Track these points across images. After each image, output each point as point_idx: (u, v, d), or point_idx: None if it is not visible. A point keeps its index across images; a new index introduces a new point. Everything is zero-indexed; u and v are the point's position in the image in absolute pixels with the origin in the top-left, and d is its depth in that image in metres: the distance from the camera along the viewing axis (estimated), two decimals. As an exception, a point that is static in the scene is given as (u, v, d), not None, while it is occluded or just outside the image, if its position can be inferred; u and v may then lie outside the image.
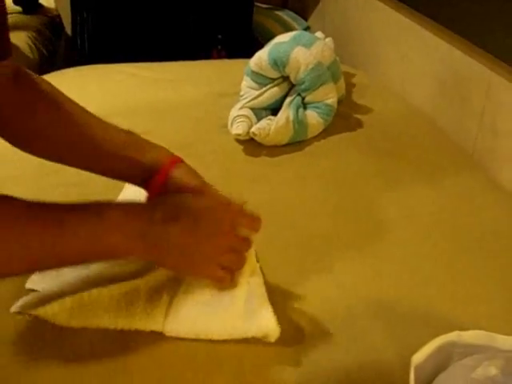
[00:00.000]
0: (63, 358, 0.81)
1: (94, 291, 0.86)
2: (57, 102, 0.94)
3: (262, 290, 0.89)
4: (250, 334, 0.83)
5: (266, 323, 0.83)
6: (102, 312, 0.85)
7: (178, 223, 0.79)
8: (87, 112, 0.96)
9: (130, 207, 0.80)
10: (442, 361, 0.75)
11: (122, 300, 0.87)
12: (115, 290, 0.87)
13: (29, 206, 0.72)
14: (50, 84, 0.95)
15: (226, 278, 0.85)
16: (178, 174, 0.91)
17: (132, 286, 0.88)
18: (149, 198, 0.92)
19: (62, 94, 0.96)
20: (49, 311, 0.84)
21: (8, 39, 0.87)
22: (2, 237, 0.68)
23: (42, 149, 0.96)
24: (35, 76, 0.96)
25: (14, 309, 0.85)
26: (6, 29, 0.86)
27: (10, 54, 0.88)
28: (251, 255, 0.90)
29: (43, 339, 0.83)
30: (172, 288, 0.89)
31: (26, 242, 0.70)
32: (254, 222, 0.87)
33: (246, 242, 0.87)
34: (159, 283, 0.90)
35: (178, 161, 0.93)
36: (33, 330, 0.84)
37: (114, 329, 0.84)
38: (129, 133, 0.96)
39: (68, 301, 0.85)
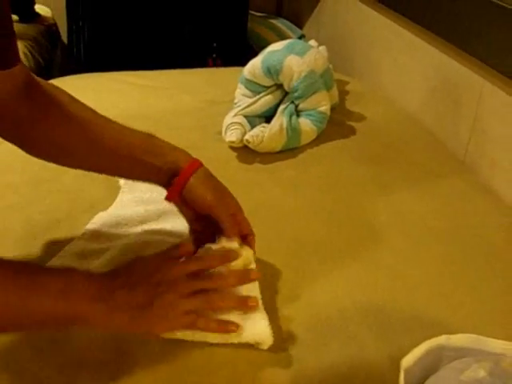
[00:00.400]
0: (57, 363, 0.81)
1: None
2: (69, 109, 0.94)
3: (259, 297, 0.89)
4: (244, 340, 0.84)
5: (260, 331, 0.84)
6: None
7: (130, 288, 0.78)
8: (102, 116, 0.97)
9: (92, 275, 0.79)
10: (432, 364, 0.76)
11: None
12: None
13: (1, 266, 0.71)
14: (61, 90, 0.96)
15: (193, 321, 0.82)
16: (195, 181, 0.93)
17: None
18: (169, 200, 0.95)
19: (75, 99, 0.97)
20: None
21: (15, 46, 0.88)
22: None
23: (58, 156, 0.98)
24: (46, 83, 0.96)
25: None
26: (13, 35, 0.87)
27: (18, 61, 0.89)
28: (249, 257, 0.92)
29: (35, 345, 0.84)
30: None
31: None
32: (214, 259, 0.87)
33: (213, 278, 0.85)
34: None
35: (197, 164, 0.95)
36: (26, 337, 0.85)
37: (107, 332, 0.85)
38: (147, 135, 0.97)
39: None
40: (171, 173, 0.94)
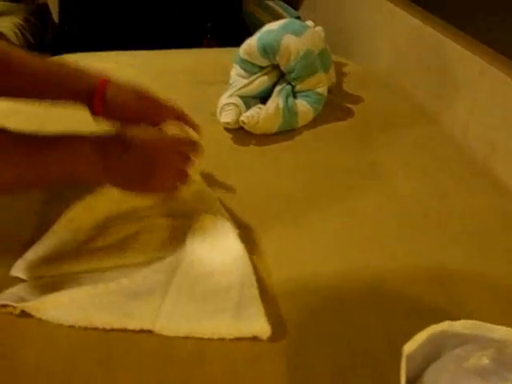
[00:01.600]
0: (45, 354, 0.80)
1: (87, 288, 0.86)
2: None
3: (254, 290, 0.88)
4: (241, 334, 0.82)
5: (257, 323, 0.83)
6: (94, 310, 0.84)
7: (129, 154, 0.91)
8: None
9: (95, 141, 0.89)
10: (433, 350, 0.74)
11: (114, 299, 0.86)
12: (105, 288, 0.86)
13: (15, 138, 0.82)
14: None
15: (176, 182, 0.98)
16: (112, 92, 1.03)
17: (122, 285, 0.87)
18: (94, 118, 1.04)
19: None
20: (37, 306, 0.83)
21: None
22: None
23: None
24: None
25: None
26: None
27: None
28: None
29: (24, 335, 0.82)
30: (163, 286, 0.88)
31: (14, 164, 0.81)
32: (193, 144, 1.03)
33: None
34: (151, 282, 0.89)
35: (108, 79, 1.05)
36: (15, 325, 0.83)
37: (103, 328, 0.83)
38: (60, 64, 1.05)
39: (57, 296, 0.84)
40: (89, 93, 1.02)
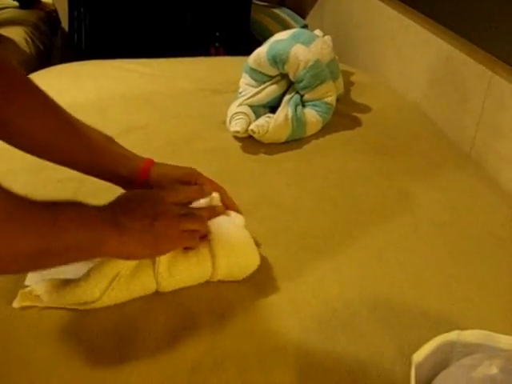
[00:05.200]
0: (61, 354, 0.81)
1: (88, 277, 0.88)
2: (37, 98, 0.94)
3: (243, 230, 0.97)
4: (233, 263, 0.92)
5: (248, 252, 0.94)
6: (99, 293, 0.87)
7: (133, 210, 0.84)
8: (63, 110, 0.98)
9: (100, 206, 0.82)
10: (442, 359, 0.75)
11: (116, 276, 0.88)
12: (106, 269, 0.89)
13: (19, 200, 0.70)
14: (31, 81, 0.95)
15: (192, 236, 0.90)
16: (158, 169, 0.99)
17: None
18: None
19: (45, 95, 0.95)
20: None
21: None
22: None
23: (20, 140, 0.96)
24: (14, 68, 0.93)
25: (16, 304, 0.86)
26: None
27: None
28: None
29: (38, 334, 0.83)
30: None
31: (22, 238, 0.68)
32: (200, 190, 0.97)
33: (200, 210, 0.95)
34: None
35: (149, 166, 1.00)
36: (30, 325, 0.84)
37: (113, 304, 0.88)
38: (108, 139, 1.00)
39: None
40: (131, 177, 0.99)
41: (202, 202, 0.97)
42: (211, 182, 1.03)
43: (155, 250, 0.86)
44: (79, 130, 0.96)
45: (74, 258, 0.77)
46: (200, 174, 1.02)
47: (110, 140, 1.01)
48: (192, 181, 1.00)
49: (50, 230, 0.71)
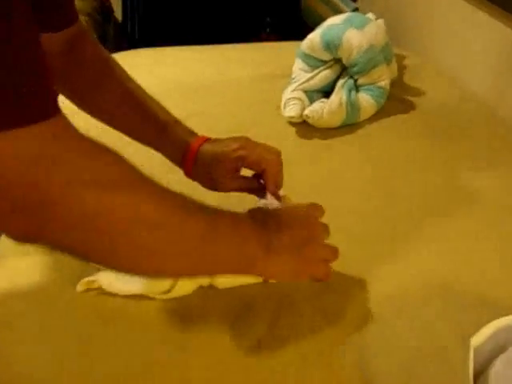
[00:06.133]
0: (120, 338, 0.84)
1: None
2: (107, 70, 0.98)
3: None
4: None
5: None
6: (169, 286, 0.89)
7: (284, 231, 0.78)
8: (134, 83, 1.00)
9: (254, 218, 0.78)
10: (500, 343, 0.75)
11: None
12: None
13: (185, 200, 0.68)
14: (104, 50, 1.00)
15: (329, 272, 0.83)
16: (208, 145, 0.96)
17: None
18: (185, 173, 0.98)
19: (116, 64, 1.00)
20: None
21: (72, 5, 0.94)
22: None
23: (92, 106, 1.00)
24: (92, 40, 1.00)
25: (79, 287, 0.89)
26: None
27: (76, 21, 0.94)
28: None
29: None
30: None
31: (183, 238, 0.67)
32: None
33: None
34: None
35: (205, 137, 0.97)
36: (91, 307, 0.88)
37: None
38: (167, 114, 0.99)
39: None
40: (183, 152, 0.96)
41: (275, 202, 0.92)
42: (265, 148, 0.97)
43: (296, 275, 0.82)
44: (138, 104, 0.98)
45: (222, 268, 0.76)
46: (253, 147, 0.95)
47: (169, 119, 0.99)
48: (247, 155, 0.94)
49: (209, 234, 0.69)
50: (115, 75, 0.99)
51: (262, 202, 0.92)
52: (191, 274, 0.77)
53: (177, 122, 0.99)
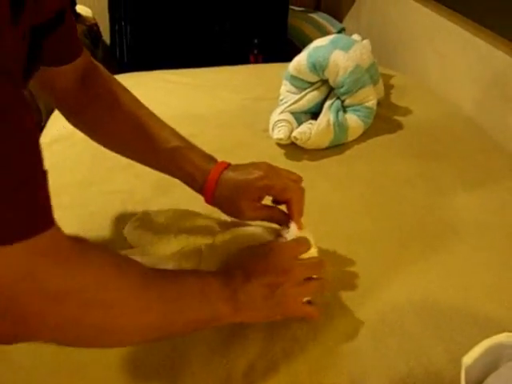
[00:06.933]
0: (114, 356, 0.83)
1: None
2: (118, 100, 0.99)
3: None
4: None
5: None
6: None
7: (253, 281, 0.80)
8: (147, 111, 1.01)
9: (220, 275, 0.80)
10: (492, 362, 0.75)
11: None
12: None
13: (146, 274, 0.71)
14: (114, 80, 1.02)
15: (314, 311, 0.86)
16: (228, 172, 0.95)
17: None
18: (206, 200, 0.97)
19: (125, 91, 1.01)
20: None
21: (77, 38, 0.94)
22: (124, 301, 0.67)
23: (105, 139, 1.02)
24: (103, 70, 1.01)
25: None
26: (75, 28, 0.92)
27: (81, 52, 0.95)
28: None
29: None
30: None
31: (151, 312, 0.69)
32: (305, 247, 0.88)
33: (317, 264, 0.88)
34: None
35: (226, 164, 0.97)
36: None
37: None
38: (181, 140, 0.99)
39: None
40: (203, 179, 0.96)
41: (295, 231, 0.92)
42: (289, 176, 0.96)
43: (270, 318, 0.84)
44: (150, 133, 0.98)
45: (191, 329, 0.79)
46: (277, 175, 0.95)
47: (183, 145, 0.99)
48: (273, 185, 0.93)
49: (174, 305, 0.72)
50: (126, 107, 0.99)
51: (285, 232, 0.92)
52: (157, 340, 0.81)
53: (194, 147, 0.99)
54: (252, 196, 0.94)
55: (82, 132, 1.02)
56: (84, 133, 1.02)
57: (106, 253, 0.67)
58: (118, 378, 0.82)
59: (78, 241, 0.63)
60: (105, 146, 1.03)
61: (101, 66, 1.01)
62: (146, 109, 1.01)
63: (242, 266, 0.82)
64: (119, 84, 1.02)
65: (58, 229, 0.59)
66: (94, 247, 0.65)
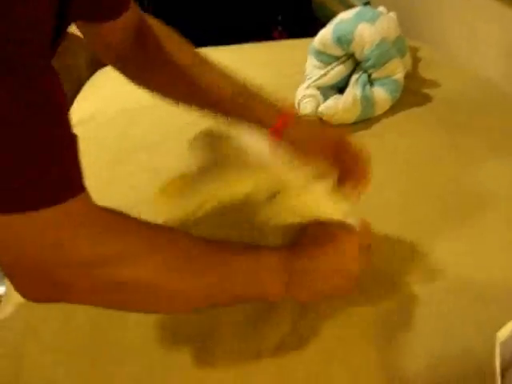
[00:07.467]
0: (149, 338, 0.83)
1: None
2: (172, 55, 1.00)
3: None
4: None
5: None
6: None
7: (313, 259, 0.78)
8: (203, 61, 1.05)
9: (280, 257, 0.77)
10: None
11: None
12: None
13: (197, 244, 0.71)
14: (168, 32, 1.02)
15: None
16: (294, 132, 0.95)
17: None
18: (273, 132, 0.96)
19: (181, 43, 1.04)
20: None
21: None
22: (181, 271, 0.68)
23: (161, 93, 1.02)
24: (155, 23, 1.00)
25: None
26: None
27: (128, 7, 0.92)
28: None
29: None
30: None
31: (198, 279, 0.69)
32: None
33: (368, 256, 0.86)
34: None
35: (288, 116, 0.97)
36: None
37: None
38: (241, 89, 1.03)
39: None
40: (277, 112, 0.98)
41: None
42: (355, 158, 0.96)
43: (313, 298, 0.83)
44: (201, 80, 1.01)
45: (233, 304, 0.80)
46: (346, 149, 0.95)
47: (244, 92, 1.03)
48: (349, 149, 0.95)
49: (218, 284, 0.71)
50: (181, 65, 1.00)
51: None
52: (201, 307, 0.77)
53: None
54: (327, 145, 0.94)
55: (129, 79, 1.01)
56: (132, 80, 1.02)
57: (144, 224, 0.67)
58: (155, 346, 0.83)
59: (111, 211, 0.63)
60: (164, 98, 1.02)
61: (152, 20, 1.00)
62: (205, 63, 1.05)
63: (307, 249, 0.79)
64: (175, 37, 1.03)
65: (89, 196, 0.59)
66: (130, 217, 0.65)
